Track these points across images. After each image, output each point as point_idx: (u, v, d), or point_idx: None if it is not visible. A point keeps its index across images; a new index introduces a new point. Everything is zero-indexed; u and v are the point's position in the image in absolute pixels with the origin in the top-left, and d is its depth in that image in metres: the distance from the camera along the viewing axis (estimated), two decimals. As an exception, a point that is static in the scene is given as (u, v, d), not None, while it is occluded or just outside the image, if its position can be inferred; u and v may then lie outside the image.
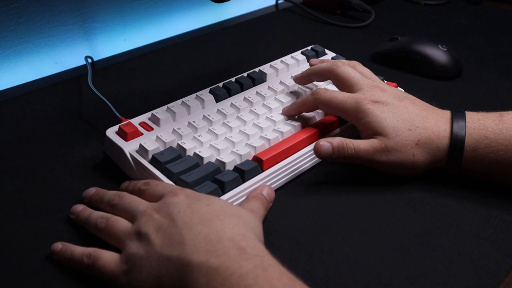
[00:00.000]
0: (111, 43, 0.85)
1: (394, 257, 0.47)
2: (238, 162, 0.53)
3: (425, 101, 0.58)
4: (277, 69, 0.68)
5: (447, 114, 0.55)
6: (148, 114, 0.58)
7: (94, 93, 0.63)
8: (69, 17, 0.78)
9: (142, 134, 0.55)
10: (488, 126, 0.52)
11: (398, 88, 0.66)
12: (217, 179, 0.50)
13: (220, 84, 0.64)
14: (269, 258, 0.39)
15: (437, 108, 0.56)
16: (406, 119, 0.54)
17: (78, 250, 0.44)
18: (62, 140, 0.61)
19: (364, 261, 0.46)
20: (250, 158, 0.54)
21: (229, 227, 0.42)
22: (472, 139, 0.52)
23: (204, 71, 0.78)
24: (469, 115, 0.54)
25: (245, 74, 0.66)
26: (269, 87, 0.65)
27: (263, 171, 0.53)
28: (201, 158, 0.53)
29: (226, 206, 0.44)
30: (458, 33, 0.94)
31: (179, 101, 0.60)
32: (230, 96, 0.63)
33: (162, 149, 0.54)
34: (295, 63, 0.71)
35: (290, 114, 0.60)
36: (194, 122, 0.57)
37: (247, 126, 0.58)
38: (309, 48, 0.75)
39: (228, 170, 0.52)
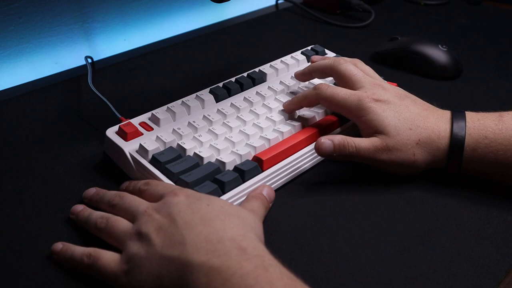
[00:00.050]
0: (111, 43, 0.85)
1: (394, 257, 0.47)
2: (238, 162, 0.53)
3: (425, 101, 0.58)
4: (277, 69, 0.68)
5: (447, 114, 0.55)
6: (148, 114, 0.58)
7: (94, 93, 0.63)
8: (69, 17, 0.78)
9: (142, 134, 0.55)
10: (488, 126, 0.52)
11: (399, 87, 0.66)
12: (217, 179, 0.50)
13: (220, 84, 0.64)
14: (269, 258, 0.39)
15: (437, 108, 0.57)
16: (407, 118, 0.54)
17: (78, 250, 0.44)
18: (62, 140, 0.61)
19: (364, 261, 0.46)
20: (250, 158, 0.54)
21: (229, 227, 0.42)
22: (472, 139, 0.52)
23: (204, 71, 0.78)
24: (469, 115, 0.54)
25: (245, 74, 0.66)
26: (269, 87, 0.65)
27: (263, 171, 0.53)
28: (201, 158, 0.53)
29: (226, 206, 0.44)
30: (458, 33, 0.94)
31: (179, 101, 0.60)
32: (230, 96, 0.63)
33: (162, 149, 0.54)
34: (295, 63, 0.71)
35: (291, 108, 0.60)
36: (194, 122, 0.57)
37: (247, 126, 0.58)
38: (309, 48, 0.75)
39: (228, 170, 0.52)
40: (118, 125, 0.56)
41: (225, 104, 0.61)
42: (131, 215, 0.45)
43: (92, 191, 0.51)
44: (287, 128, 0.58)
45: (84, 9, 0.79)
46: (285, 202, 0.53)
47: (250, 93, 0.63)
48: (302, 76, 0.64)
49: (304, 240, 0.48)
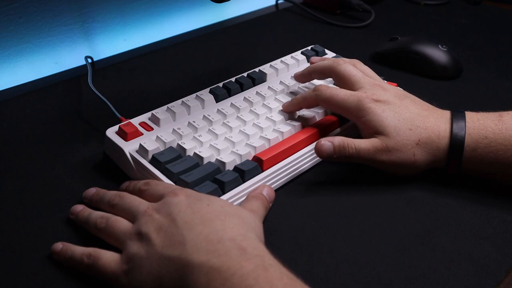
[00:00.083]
0: (111, 43, 0.85)
1: (394, 257, 0.47)
2: (238, 162, 0.53)
3: (425, 101, 0.58)
4: (277, 69, 0.68)
5: (447, 114, 0.55)
6: (148, 114, 0.58)
7: (94, 93, 0.63)
8: (69, 17, 0.78)
9: (142, 134, 0.55)
10: (488, 126, 0.52)
11: (399, 87, 0.66)
12: (217, 179, 0.50)
13: (220, 84, 0.64)
14: (269, 258, 0.39)
15: (437, 108, 0.57)
16: (407, 118, 0.54)
17: (78, 250, 0.44)
18: (62, 140, 0.61)
19: (364, 261, 0.46)
20: (250, 158, 0.54)
21: (229, 227, 0.42)
22: (472, 139, 0.52)
23: (204, 71, 0.78)
24: (469, 115, 0.54)
25: (245, 74, 0.66)
26: (269, 87, 0.65)
27: (263, 171, 0.53)
28: (201, 158, 0.53)
29: (226, 206, 0.44)
30: (458, 33, 0.94)
31: (179, 101, 0.60)
32: (230, 96, 0.63)
33: (162, 149, 0.54)
34: (295, 63, 0.71)
35: (290, 109, 0.60)
36: (194, 122, 0.57)
37: (247, 126, 0.58)
38: (309, 48, 0.75)
39: (228, 170, 0.52)
40: (118, 125, 0.56)
41: (225, 104, 0.61)
42: (131, 215, 0.45)
43: (92, 191, 0.51)
44: (287, 128, 0.58)
45: (84, 9, 0.79)
46: (285, 202, 0.53)
47: (250, 93, 0.63)
48: (302, 77, 0.64)
49: (304, 240, 0.48)
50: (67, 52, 0.80)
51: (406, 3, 1.08)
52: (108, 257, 0.43)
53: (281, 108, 0.61)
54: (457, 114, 0.54)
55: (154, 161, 0.52)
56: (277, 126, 0.59)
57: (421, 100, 0.57)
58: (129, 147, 0.54)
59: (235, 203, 0.50)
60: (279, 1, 1.05)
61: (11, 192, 0.53)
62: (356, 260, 0.46)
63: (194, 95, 0.61)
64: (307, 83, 0.66)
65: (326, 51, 0.75)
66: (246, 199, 0.49)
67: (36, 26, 0.75)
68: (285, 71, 0.69)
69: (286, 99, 0.63)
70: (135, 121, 0.57)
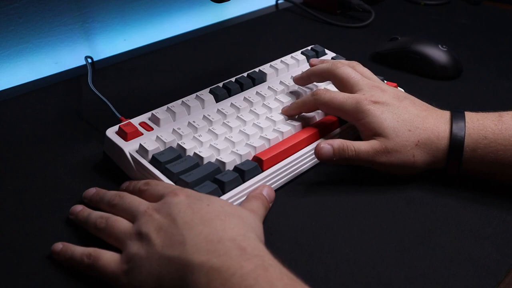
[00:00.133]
0: (111, 43, 0.85)
1: (394, 257, 0.47)
2: (238, 162, 0.53)
3: (425, 101, 0.58)
4: (277, 69, 0.68)
5: (446, 114, 0.55)
6: (148, 114, 0.58)
7: (94, 93, 0.63)
8: (69, 17, 0.78)
9: (142, 134, 0.55)
10: (488, 127, 0.52)
11: (398, 88, 0.66)
12: (217, 179, 0.50)
13: (220, 84, 0.64)
14: (269, 258, 0.39)
15: (436, 109, 0.57)
16: (406, 119, 0.54)
17: (78, 250, 0.44)
18: (62, 140, 0.61)
19: (364, 261, 0.46)
20: (250, 158, 0.54)
21: (230, 227, 0.42)
22: (472, 140, 0.52)
23: (204, 71, 0.78)
24: (469, 115, 0.54)
25: (245, 74, 0.66)
26: (269, 87, 0.65)
27: (263, 171, 0.53)
28: (201, 158, 0.53)
29: (226, 206, 0.44)
30: (458, 33, 0.94)
31: (179, 101, 0.60)
32: (230, 96, 0.63)
33: (162, 149, 0.54)
34: (295, 63, 0.71)
35: (290, 114, 0.60)
36: (194, 122, 0.57)
37: (247, 126, 0.58)
38: (309, 48, 0.75)
39: (228, 170, 0.52)
40: (118, 125, 0.56)
41: (225, 104, 0.61)
42: (131, 215, 0.45)
43: (92, 191, 0.51)
44: (287, 128, 0.58)
45: (84, 9, 0.79)
46: (285, 202, 0.53)
47: (250, 93, 0.63)
48: (301, 80, 0.65)
49: (304, 240, 0.48)
50: (67, 52, 0.80)
51: (406, 3, 1.08)
52: (108, 257, 0.43)
53: (281, 108, 0.61)
54: (457, 115, 0.54)
55: (154, 161, 0.52)
56: (277, 126, 0.59)
57: (421, 101, 0.57)
58: (129, 147, 0.54)
59: (235, 203, 0.50)
60: (279, 1, 1.05)
61: (11, 192, 0.53)
62: (356, 260, 0.47)
63: (194, 95, 0.61)
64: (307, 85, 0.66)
65: (326, 51, 0.75)
66: (246, 199, 0.49)
67: (36, 26, 0.75)
68: (285, 71, 0.69)
69: (286, 99, 0.63)
70: (135, 121, 0.57)
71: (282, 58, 0.71)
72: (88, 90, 0.66)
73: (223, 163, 0.53)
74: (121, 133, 0.55)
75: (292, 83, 0.66)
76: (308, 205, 0.53)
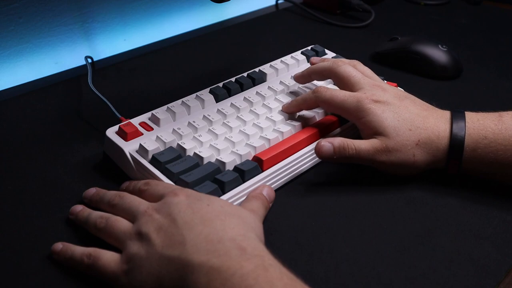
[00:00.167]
0: (111, 43, 0.85)
1: (394, 257, 0.47)
2: (238, 162, 0.53)
3: (425, 101, 0.58)
4: (277, 69, 0.68)
5: (446, 114, 0.55)
6: (148, 114, 0.58)
7: (94, 93, 0.63)
8: (69, 17, 0.78)
9: (142, 134, 0.55)
10: (488, 126, 0.52)
11: (398, 88, 0.66)
12: (217, 179, 0.50)
13: (220, 84, 0.64)
14: (269, 258, 0.39)
15: (437, 108, 0.57)
16: (407, 119, 0.54)
17: (78, 250, 0.44)
18: (62, 140, 0.61)
19: (364, 261, 0.46)
20: (250, 158, 0.54)
21: (230, 227, 0.42)
22: (472, 139, 0.52)
23: (204, 71, 0.78)
24: (469, 115, 0.54)
25: (245, 74, 0.66)
26: (269, 87, 0.65)
27: (263, 171, 0.53)
28: (201, 158, 0.53)
29: (226, 206, 0.44)
30: (458, 33, 0.94)
31: (179, 101, 0.60)
32: (230, 96, 0.63)
33: (162, 149, 0.54)
34: (295, 63, 0.71)
35: (290, 111, 0.60)
36: (194, 122, 0.57)
37: (247, 126, 0.58)
38: (309, 48, 0.75)
39: (228, 170, 0.52)
40: (118, 125, 0.56)
41: (225, 104, 0.61)
42: (131, 215, 0.45)
43: (92, 191, 0.51)
44: (287, 128, 0.58)
45: (84, 9, 0.79)
46: (285, 202, 0.53)
47: (250, 93, 0.63)
48: (301, 78, 0.64)
49: (304, 240, 0.48)
50: (67, 52, 0.80)
51: (406, 3, 1.08)
52: (108, 257, 0.43)
53: (281, 108, 0.61)
54: (457, 114, 0.54)
55: (154, 161, 0.52)
56: (277, 126, 0.59)
57: (421, 101, 0.57)
58: (129, 147, 0.54)
59: (235, 203, 0.50)
60: (279, 1, 1.05)
61: (11, 192, 0.53)
62: (356, 260, 0.47)
63: (194, 95, 0.61)
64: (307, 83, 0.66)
65: (326, 51, 0.75)
66: (246, 199, 0.49)
67: (36, 26, 0.75)
68: (285, 71, 0.69)
69: (286, 99, 0.63)
70: (135, 121, 0.57)
71: (282, 58, 0.71)
72: (88, 90, 0.66)
73: (223, 163, 0.53)
74: (121, 133, 0.55)
75: (292, 83, 0.66)
76: (308, 205, 0.53)
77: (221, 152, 0.54)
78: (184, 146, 0.54)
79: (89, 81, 0.66)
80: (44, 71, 0.77)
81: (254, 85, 0.65)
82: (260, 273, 0.37)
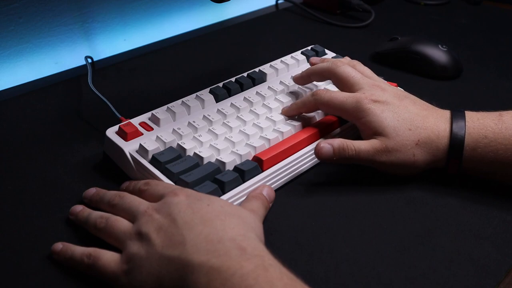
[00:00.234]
0: (111, 43, 0.85)
1: (394, 257, 0.47)
2: (238, 162, 0.53)
3: (425, 101, 0.58)
4: (277, 69, 0.68)
5: (446, 113, 0.55)
6: (148, 114, 0.58)
7: (94, 93, 0.63)
8: (69, 17, 0.78)
9: (142, 134, 0.55)
10: (488, 126, 0.52)
11: (398, 87, 0.66)
12: (217, 179, 0.50)
13: (220, 84, 0.64)
14: (269, 258, 0.39)
15: (437, 108, 0.57)
16: (406, 118, 0.54)
17: (78, 250, 0.44)
18: (62, 140, 0.61)
19: (364, 261, 0.46)
20: (250, 158, 0.54)
21: (230, 227, 0.42)
22: (472, 139, 0.52)
23: (204, 71, 0.78)
24: (469, 114, 0.54)
25: (245, 74, 0.66)
26: (269, 87, 0.65)
27: (263, 171, 0.53)
28: (201, 158, 0.53)
29: (226, 206, 0.44)
30: (458, 33, 0.94)
31: (179, 101, 0.60)
32: (230, 96, 0.63)
33: (162, 149, 0.54)
34: (295, 63, 0.71)
35: (290, 114, 0.60)
36: (194, 122, 0.57)
37: (247, 126, 0.58)
38: (309, 48, 0.75)
39: (228, 170, 0.52)
40: (118, 125, 0.56)
41: (225, 104, 0.61)
42: (131, 215, 0.45)
43: (92, 191, 0.51)
44: (287, 128, 0.58)
45: (84, 9, 0.79)
46: (285, 202, 0.53)
47: (250, 93, 0.63)
48: (301, 79, 0.64)
49: (304, 240, 0.48)
50: (67, 52, 0.80)
51: (406, 3, 1.08)
52: (108, 257, 0.43)
53: (281, 109, 0.61)
54: (457, 114, 0.54)
55: (154, 161, 0.52)
56: (277, 126, 0.59)
57: (421, 100, 0.57)
58: (129, 147, 0.54)
59: (235, 203, 0.50)
60: (279, 1, 1.05)
61: (11, 192, 0.53)
62: (356, 260, 0.46)
63: (194, 95, 0.61)
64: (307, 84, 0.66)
65: (326, 51, 0.75)
66: (246, 199, 0.49)
67: (36, 26, 0.75)
68: (285, 71, 0.69)
69: (286, 99, 0.63)
70: (135, 121, 0.57)
71: (282, 58, 0.71)
72: (88, 90, 0.66)
73: (223, 163, 0.53)
74: (121, 133, 0.55)
75: (292, 83, 0.66)
76: (308, 205, 0.53)
77: (221, 152, 0.54)
78: (184, 146, 0.54)
79: (89, 81, 0.66)
80: (44, 71, 0.77)
81: (254, 85, 0.65)
82: (260, 273, 0.37)
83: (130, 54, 0.84)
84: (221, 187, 0.50)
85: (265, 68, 0.68)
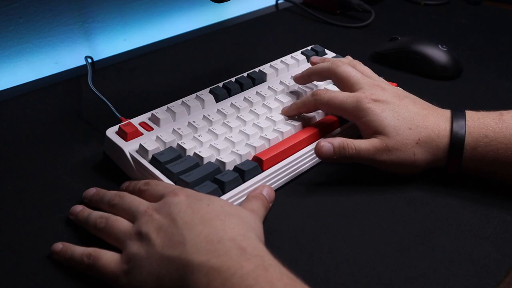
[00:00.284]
0: (111, 43, 0.85)
1: (394, 257, 0.47)
2: (238, 162, 0.53)
3: (425, 101, 0.58)
4: (277, 69, 0.68)
5: (447, 113, 0.55)
6: (148, 114, 0.58)
7: (94, 93, 0.63)
8: (69, 17, 0.78)
9: (142, 134, 0.55)
10: (488, 125, 0.53)
11: (398, 87, 0.66)
12: (217, 179, 0.50)
13: (220, 84, 0.64)
14: (269, 258, 0.39)
15: (437, 107, 0.57)
16: (407, 118, 0.54)
17: (79, 250, 0.44)
18: (62, 140, 0.61)
19: (364, 261, 0.46)
20: (250, 158, 0.54)
21: (230, 227, 0.42)
22: (472, 138, 0.52)
23: (204, 71, 0.78)
24: (469, 114, 0.54)
25: (245, 74, 0.66)
26: (269, 87, 0.65)
27: (263, 171, 0.53)
28: (201, 158, 0.53)
29: (226, 206, 0.44)
30: (458, 33, 0.94)
31: (179, 101, 0.60)
32: (230, 96, 0.63)
33: (162, 149, 0.54)
34: (295, 63, 0.71)
35: (290, 114, 0.60)
36: (194, 122, 0.57)
37: (247, 126, 0.58)
38: (309, 48, 0.75)
39: (228, 170, 0.52)
40: (118, 125, 0.56)
41: (225, 104, 0.61)
42: (131, 215, 0.45)
43: (92, 191, 0.51)
44: (287, 128, 0.58)
45: (84, 9, 0.79)
46: (285, 202, 0.53)
47: (250, 93, 0.63)
48: (301, 79, 0.64)
49: (304, 240, 0.48)
50: (67, 52, 0.80)
51: (406, 3, 1.08)
52: (108, 257, 0.43)
53: (281, 108, 0.61)
54: (457, 113, 0.54)
55: (154, 161, 0.52)
56: (277, 126, 0.59)
57: (421, 100, 0.57)
58: (129, 147, 0.54)
59: (235, 203, 0.50)
60: (279, 1, 1.05)
61: (11, 192, 0.53)
62: (356, 260, 0.46)
63: (194, 95, 0.61)
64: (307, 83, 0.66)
65: (326, 51, 0.75)
66: (246, 199, 0.49)
67: (36, 26, 0.75)
68: (285, 71, 0.69)
69: (286, 99, 0.63)
70: (135, 121, 0.57)
71: (282, 58, 0.71)
72: (88, 90, 0.66)
73: (223, 163, 0.53)
74: (121, 133, 0.55)
75: (292, 83, 0.66)
76: (308, 205, 0.53)
77: (221, 152, 0.54)
78: (184, 146, 0.54)
79: (89, 81, 0.66)
80: (44, 71, 0.77)
81: (254, 85, 0.65)
82: (260, 273, 0.37)
83: (130, 54, 0.84)
84: (221, 187, 0.50)
85: (265, 68, 0.68)
